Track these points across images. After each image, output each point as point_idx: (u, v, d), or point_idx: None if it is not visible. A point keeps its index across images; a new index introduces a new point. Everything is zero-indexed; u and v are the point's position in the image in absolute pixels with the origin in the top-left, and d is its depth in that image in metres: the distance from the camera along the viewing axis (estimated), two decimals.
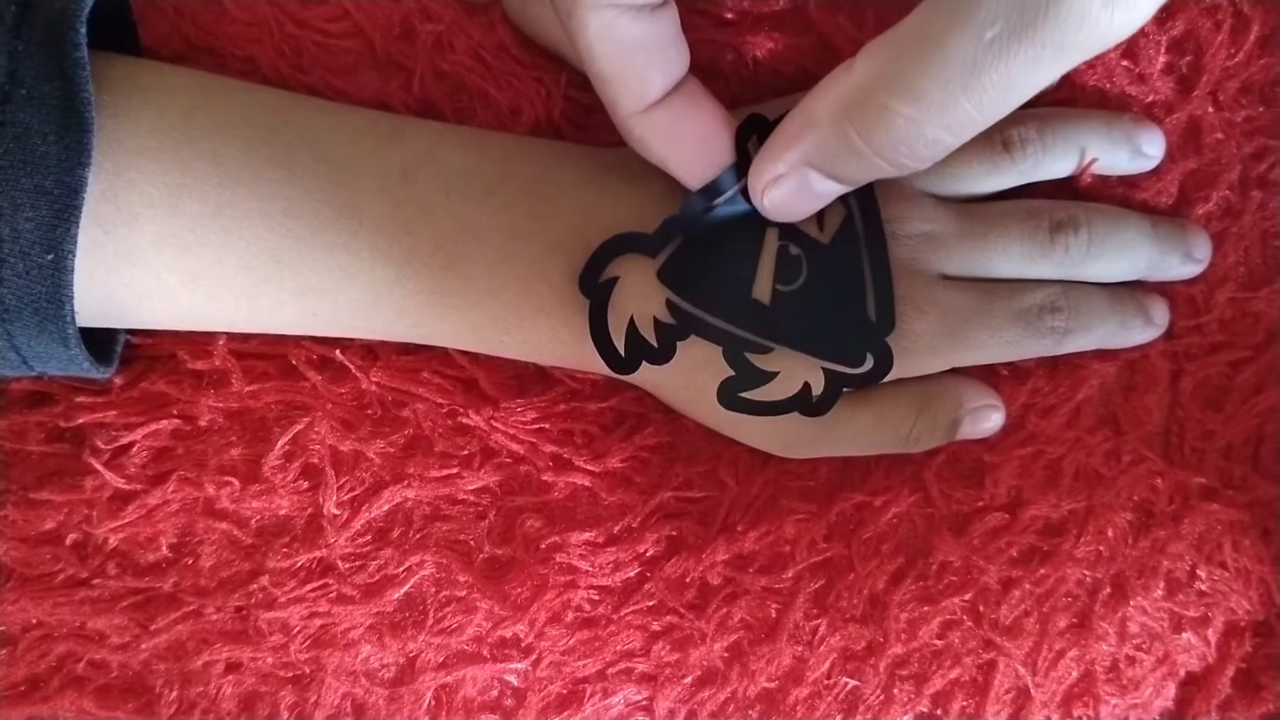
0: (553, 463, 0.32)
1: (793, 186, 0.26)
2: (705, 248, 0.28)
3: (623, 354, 0.28)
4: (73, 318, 0.25)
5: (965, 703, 0.32)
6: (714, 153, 0.27)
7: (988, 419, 0.31)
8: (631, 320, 0.28)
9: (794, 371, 0.28)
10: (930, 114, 0.22)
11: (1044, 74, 0.21)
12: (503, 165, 0.29)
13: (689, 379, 0.29)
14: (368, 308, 0.28)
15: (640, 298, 0.28)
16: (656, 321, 0.28)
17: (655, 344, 0.28)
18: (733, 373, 0.28)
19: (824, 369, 0.28)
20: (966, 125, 0.22)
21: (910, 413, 0.30)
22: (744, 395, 0.28)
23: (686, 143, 0.27)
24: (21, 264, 0.24)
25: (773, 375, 0.28)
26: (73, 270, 0.25)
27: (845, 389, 0.28)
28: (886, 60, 0.22)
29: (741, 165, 0.27)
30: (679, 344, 0.28)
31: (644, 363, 0.28)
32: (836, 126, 0.24)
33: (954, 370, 0.31)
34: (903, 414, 0.30)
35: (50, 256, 0.24)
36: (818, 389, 0.28)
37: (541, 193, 0.29)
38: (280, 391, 0.31)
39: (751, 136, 0.27)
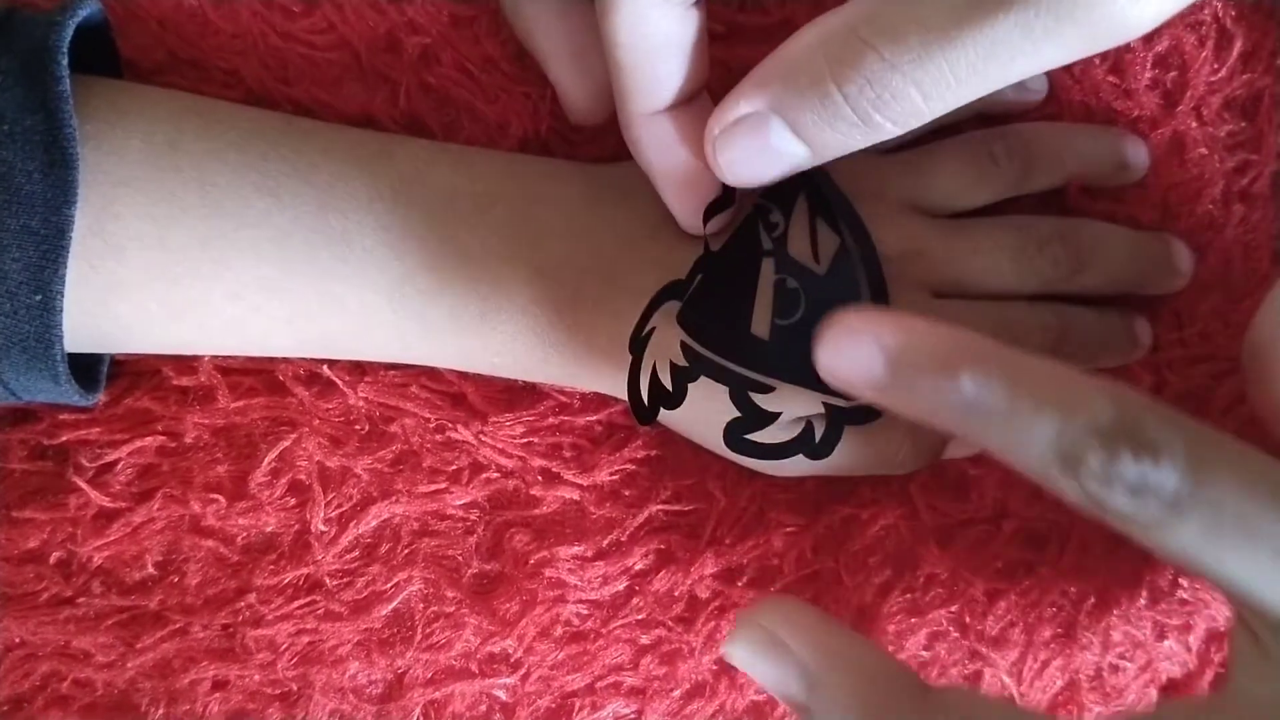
0: (541, 477, 0.32)
1: (752, 135, 0.24)
2: (711, 285, 0.28)
3: (645, 403, 0.28)
4: (63, 356, 0.25)
5: None
6: (703, 184, 0.27)
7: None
8: (654, 368, 0.28)
9: (797, 411, 0.28)
10: (904, 59, 0.21)
11: (1032, 52, 0.20)
12: (493, 185, 0.29)
13: (700, 416, 0.29)
14: (358, 333, 0.28)
15: (665, 344, 0.28)
16: (672, 365, 0.28)
17: (670, 389, 0.28)
18: (739, 414, 0.28)
19: (825, 405, 0.28)
20: (938, 87, 0.21)
21: (899, 438, 0.30)
22: (749, 438, 0.28)
23: (679, 163, 0.26)
24: (9, 304, 0.24)
25: (775, 416, 0.28)
26: (61, 310, 0.24)
27: (848, 426, 0.28)
28: (874, 1, 0.22)
29: (725, 202, 0.27)
30: (689, 385, 0.28)
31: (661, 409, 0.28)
32: (810, 62, 0.22)
33: None
34: (890, 438, 0.30)
35: (38, 297, 0.24)
36: (820, 429, 0.28)
37: (533, 214, 0.29)
38: (267, 408, 0.31)
39: None
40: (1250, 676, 0.23)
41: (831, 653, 0.23)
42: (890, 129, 0.23)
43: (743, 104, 0.24)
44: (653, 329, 0.28)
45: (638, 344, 0.28)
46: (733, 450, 0.28)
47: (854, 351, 0.23)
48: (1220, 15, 0.32)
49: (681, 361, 0.28)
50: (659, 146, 0.26)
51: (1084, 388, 0.22)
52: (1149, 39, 0.32)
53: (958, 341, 0.23)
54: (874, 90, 0.22)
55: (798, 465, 0.30)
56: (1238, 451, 0.22)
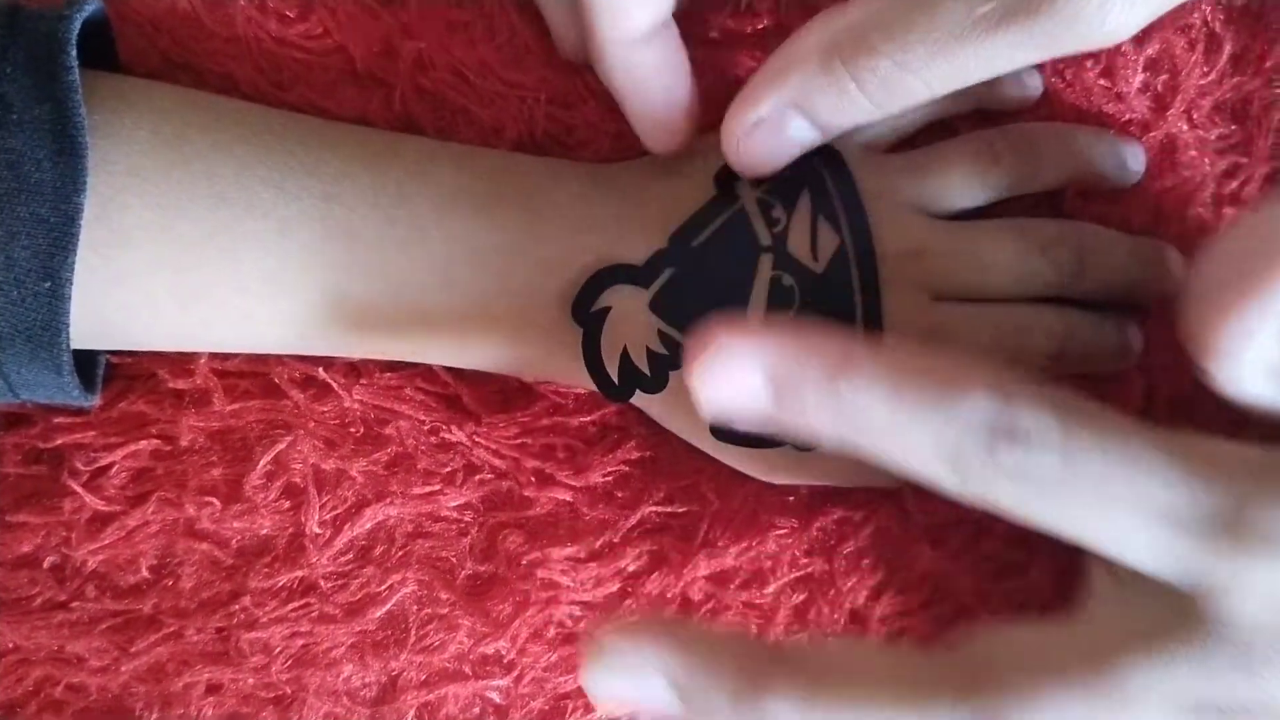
0: (535, 478, 0.32)
1: (771, 129, 0.26)
2: (698, 279, 0.28)
3: (616, 383, 0.28)
4: (67, 345, 0.25)
5: None
6: (676, 114, 0.28)
7: None
8: (625, 350, 0.28)
9: None
10: (912, 65, 0.24)
11: (1025, 57, 0.23)
12: (495, 182, 0.29)
13: (680, 404, 0.29)
14: (361, 328, 0.28)
15: (633, 327, 0.28)
16: (649, 351, 0.28)
17: (648, 373, 0.28)
18: None
19: None
20: (945, 82, 0.24)
21: None
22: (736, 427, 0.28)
23: (649, 89, 0.28)
24: (16, 291, 0.24)
25: None
26: (69, 298, 0.24)
27: None
28: (882, 7, 0.24)
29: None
30: (671, 372, 0.28)
31: (637, 391, 0.28)
32: (826, 59, 0.25)
33: None
34: None
35: (47, 284, 0.24)
36: None
37: (534, 210, 0.29)
38: (262, 410, 0.31)
39: None
40: (1102, 601, 0.25)
41: (690, 650, 0.23)
42: (903, 107, 0.25)
43: (764, 106, 0.26)
44: (607, 308, 0.28)
45: (589, 319, 0.28)
46: (718, 438, 0.28)
47: (733, 376, 0.22)
48: (1209, 19, 0.32)
49: (660, 349, 0.28)
50: (631, 76, 0.27)
51: (958, 383, 0.22)
52: (1139, 42, 0.32)
53: (833, 353, 0.22)
54: (888, 89, 0.25)
55: (789, 473, 0.30)
56: (1105, 426, 0.22)
